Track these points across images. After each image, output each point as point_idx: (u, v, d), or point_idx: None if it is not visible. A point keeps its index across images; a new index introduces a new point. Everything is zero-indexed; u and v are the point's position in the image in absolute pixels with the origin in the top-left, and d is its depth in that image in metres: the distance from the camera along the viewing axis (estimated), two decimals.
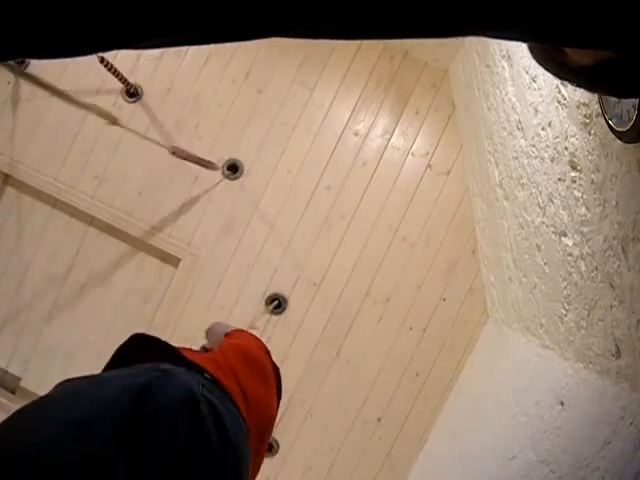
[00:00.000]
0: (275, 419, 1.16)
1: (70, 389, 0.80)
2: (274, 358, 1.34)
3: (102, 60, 2.37)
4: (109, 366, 0.97)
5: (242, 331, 1.37)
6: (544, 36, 0.61)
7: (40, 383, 2.89)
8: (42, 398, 0.79)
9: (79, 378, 0.84)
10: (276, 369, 1.26)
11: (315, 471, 2.73)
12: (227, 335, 1.29)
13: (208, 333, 1.35)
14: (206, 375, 0.90)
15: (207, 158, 2.68)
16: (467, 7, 0.54)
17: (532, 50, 0.71)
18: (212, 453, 0.76)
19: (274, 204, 2.79)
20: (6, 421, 0.73)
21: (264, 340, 2.78)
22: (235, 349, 1.14)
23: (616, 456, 1.02)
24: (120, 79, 2.58)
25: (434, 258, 2.71)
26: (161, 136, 2.83)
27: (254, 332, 1.44)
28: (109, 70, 2.47)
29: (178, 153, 2.45)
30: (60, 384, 0.83)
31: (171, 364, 0.87)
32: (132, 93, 2.82)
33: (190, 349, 1.14)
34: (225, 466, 0.78)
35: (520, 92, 1.65)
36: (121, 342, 0.98)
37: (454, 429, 2.44)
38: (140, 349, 0.97)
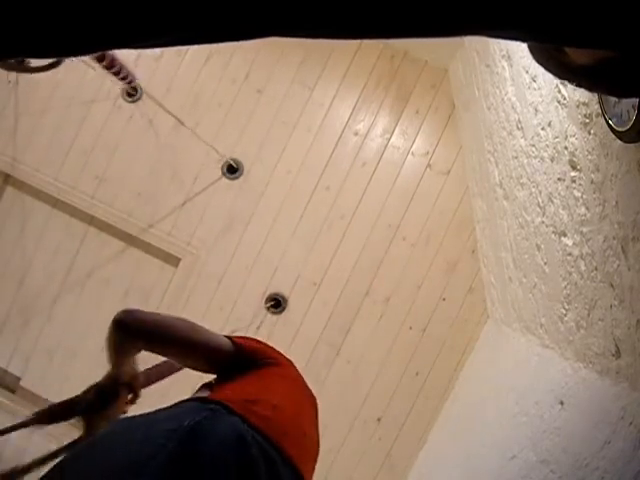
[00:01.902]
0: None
1: (121, 430, 0.80)
2: None
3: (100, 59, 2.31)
4: None
5: (263, 346, 1.25)
6: (544, 36, 0.61)
7: (40, 383, 2.89)
8: (92, 442, 0.79)
9: (132, 417, 0.83)
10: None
11: (315, 471, 2.72)
12: (251, 351, 1.17)
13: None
14: (247, 416, 0.87)
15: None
16: (467, 7, 0.54)
17: (532, 50, 0.71)
18: None
19: (274, 204, 2.79)
20: (58, 466, 0.73)
21: (264, 339, 2.78)
22: (275, 378, 1.09)
23: (616, 456, 1.02)
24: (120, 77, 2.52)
25: (434, 258, 2.71)
26: (161, 136, 2.83)
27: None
28: (109, 70, 2.41)
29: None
30: (112, 425, 0.83)
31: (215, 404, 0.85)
32: (131, 93, 2.82)
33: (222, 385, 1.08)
34: None
35: (520, 92, 1.65)
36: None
37: (454, 429, 2.44)
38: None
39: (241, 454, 0.76)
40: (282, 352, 1.22)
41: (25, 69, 2.16)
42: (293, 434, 0.95)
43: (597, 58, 0.63)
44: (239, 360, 1.10)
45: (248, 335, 1.30)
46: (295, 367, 1.20)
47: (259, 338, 1.26)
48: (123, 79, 2.32)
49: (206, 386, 1.13)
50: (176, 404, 0.92)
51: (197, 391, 1.13)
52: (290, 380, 1.14)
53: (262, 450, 0.80)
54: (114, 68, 2.20)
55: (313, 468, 1.05)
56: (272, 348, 1.21)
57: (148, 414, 0.86)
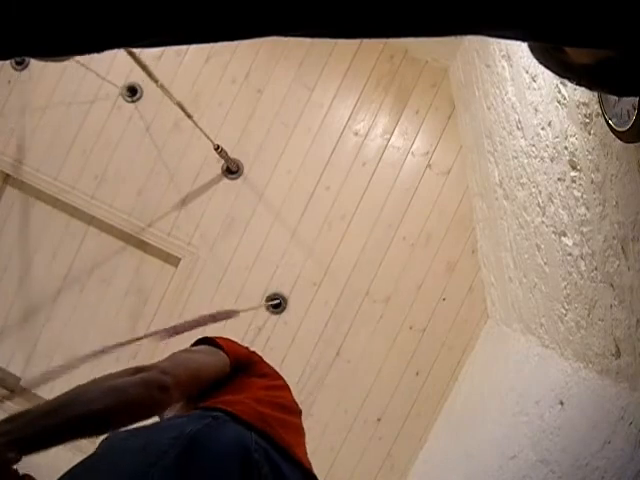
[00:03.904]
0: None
1: (117, 444, 0.79)
2: (274, 358, 1.32)
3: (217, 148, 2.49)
4: None
5: (249, 354, 1.24)
6: (544, 36, 0.61)
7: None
8: (90, 457, 0.78)
9: (126, 431, 0.82)
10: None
11: (315, 471, 2.72)
12: (240, 361, 1.16)
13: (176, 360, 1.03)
14: (254, 427, 0.86)
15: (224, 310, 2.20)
16: (467, 6, 0.54)
17: (532, 49, 0.71)
18: None
19: (274, 204, 2.79)
20: (66, 476, 0.72)
21: (264, 340, 2.78)
22: (267, 393, 1.09)
23: (616, 456, 1.02)
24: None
25: (434, 258, 2.71)
26: (161, 136, 2.83)
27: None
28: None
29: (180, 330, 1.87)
30: (106, 439, 0.82)
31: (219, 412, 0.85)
32: (131, 93, 2.82)
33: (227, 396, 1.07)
34: None
35: (520, 92, 1.65)
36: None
37: (454, 429, 2.44)
38: None
39: (244, 461, 0.76)
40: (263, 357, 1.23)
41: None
42: (294, 434, 0.95)
43: (597, 57, 0.63)
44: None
45: (248, 335, 1.31)
46: (276, 372, 1.22)
47: (234, 337, 1.25)
48: None
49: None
50: (176, 415, 0.92)
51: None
52: (278, 385, 1.15)
53: (266, 455, 0.80)
54: None
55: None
56: (257, 355, 1.22)
57: (151, 424, 0.85)
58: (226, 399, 0.97)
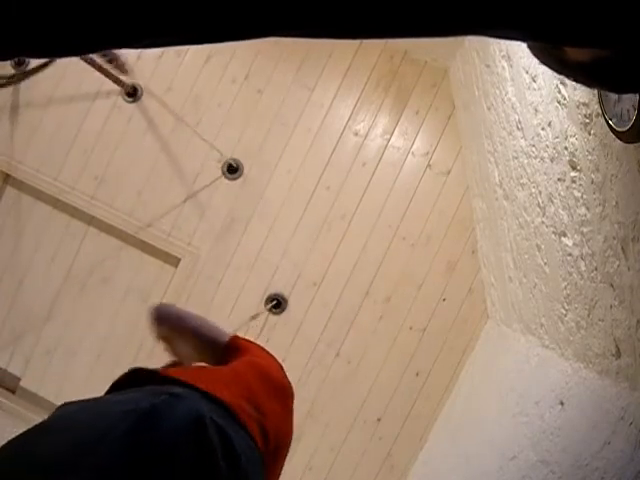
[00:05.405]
0: (291, 439, 1.13)
1: (69, 412, 0.78)
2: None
3: (87, 60, 2.35)
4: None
5: (249, 342, 1.31)
6: (544, 36, 0.61)
7: (40, 383, 2.89)
8: (41, 423, 0.78)
9: (81, 401, 0.82)
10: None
11: (315, 471, 2.73)
12: (236, 344, 1.22)
13: (162, 318, 1.18)
14: (215, 399, 0.86)
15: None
16: (467, 7, 0.54)
17: (531, 46, 0.71)
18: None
19: (274, 204, 2.79)
20: (2, 450, 0.71)
21: (264, 340, 2.79)
22: (253, 367, 1.11)
23: (616, 456, 1.02)
24: (111, 78, 2.58)
25: (434, 258, 2.71)
26: (161, 136, 2.83)
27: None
28: (98, 70, 2.46)
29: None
30: (60, 407, 0.82)
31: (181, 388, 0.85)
32: (131, 93, 2.82)
33: (192, 368, 1.12)
34: None
35: (520, 92, 1.65)
36: (116, 376, 0.95)
37: (454, 429, 2.43)
38: (137, 383, 0.93)
39: (199, 436, 0.75)
40: (270, 352, 1.24)
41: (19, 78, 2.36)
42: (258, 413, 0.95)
43: (595, 54, 0.63)
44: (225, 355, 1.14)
45: (248, 335, 1.31)
46: (274, 359, 1.21)
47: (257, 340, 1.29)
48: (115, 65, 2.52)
49: None
50: (132, 389, 0.91)
51: None
52: (258, 367, 1.15)
53: (220, 431, 0.79)
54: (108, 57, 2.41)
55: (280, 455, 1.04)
56: (259, 347, 1.23)
57: (101, 397, 0.85)
58: (199, 372, 0.99)
